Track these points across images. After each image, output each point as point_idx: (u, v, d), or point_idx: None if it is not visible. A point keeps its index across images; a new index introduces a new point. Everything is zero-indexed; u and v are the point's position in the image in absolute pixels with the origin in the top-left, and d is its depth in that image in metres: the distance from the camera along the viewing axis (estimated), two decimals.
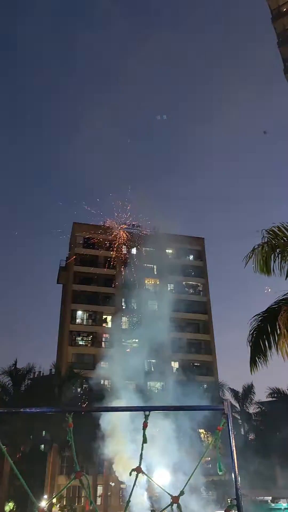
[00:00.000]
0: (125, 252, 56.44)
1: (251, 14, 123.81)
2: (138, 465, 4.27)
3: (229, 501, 4.01)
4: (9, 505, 43.78)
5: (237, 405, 35.40)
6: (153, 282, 56.05)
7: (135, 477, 4.28)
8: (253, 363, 11.08)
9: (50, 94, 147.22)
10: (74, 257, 53.86)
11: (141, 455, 4.34)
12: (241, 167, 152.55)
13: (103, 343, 48.43)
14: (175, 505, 4.19)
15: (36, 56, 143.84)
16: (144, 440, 4.44)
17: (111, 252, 54.68)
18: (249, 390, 35.71)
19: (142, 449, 4.39)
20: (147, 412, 4.29)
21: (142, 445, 4.38)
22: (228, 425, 4.23)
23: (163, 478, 20.67)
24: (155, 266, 56.65)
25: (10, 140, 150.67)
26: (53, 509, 29.40)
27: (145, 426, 4.37)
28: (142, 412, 4.33)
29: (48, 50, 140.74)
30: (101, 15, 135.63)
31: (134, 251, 56.97)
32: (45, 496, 33.36)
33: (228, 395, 36.49)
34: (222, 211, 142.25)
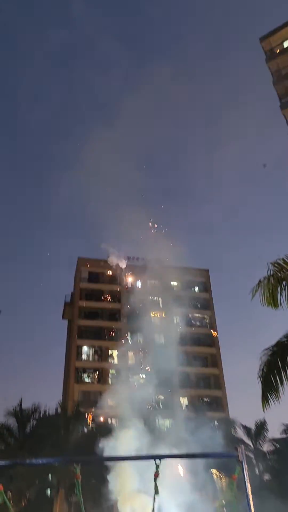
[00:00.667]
0: (130, 285, 56.30)
1: (247, 54, 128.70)
2: None
3: None
4: None
5: (250, 443, 34.12)
6: (158, 315, 55.53)
7: None
8: (264, 399, 10.74)
9: (50, 128, 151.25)
10: (79, 291, 53.76)
11: (153, 509, 4.12)
12: (244, 199, 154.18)
13: (109, 380, 47.51)
14: None
15: (36, 93, 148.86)
16: (156, 491, 4.22)
17: (116, 286, 54.57)
18: (261, 426, 34.45)
19: (154, 501, 4.17)
20: (158, 461, 4.09)
21: (154, 497, 4.17)
22: (243, 472, 4.03)
23: None
24: (160, 299, 56.28)
25: (11, 174, 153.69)
26: None
27: (156, 476, 4.16)
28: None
29: (49, 86, 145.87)
30: (102, 53, 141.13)
31: (138, 284, 56.83)
32: None
33: (240, 432, 35.27)
34: (227, 242, 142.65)
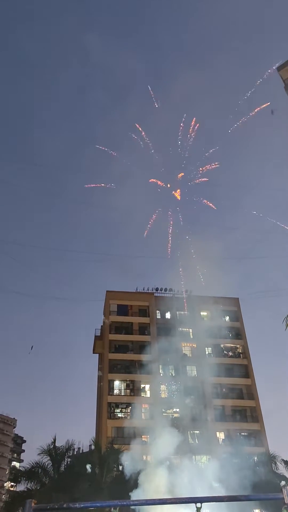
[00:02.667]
0: (159, 317, 55.85)
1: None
2: None
3: None
4: None
5: None
6: (190, 347, 54.57)
7: None
8: None
9: (67, 160, 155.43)
10: (109, 324, 53.68)
11: None
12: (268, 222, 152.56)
13: (142, 415, 46.50)
14: None
15: (52, 128, 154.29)
16: None
17: (145, 318, 54.27)
18: None
19: None
20: (198, 505, 3.93)
21: None
22: None
23: None
24: (190, 330, 55.44)
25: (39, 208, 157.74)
26: None
27: None
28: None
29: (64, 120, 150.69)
30: (118, 85, 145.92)
31: (168, 315, 56.31)
32: None
33: (281, 468, 33.54)
34: (255, 269, 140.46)
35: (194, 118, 42.21)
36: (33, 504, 3.94)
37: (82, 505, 4.18)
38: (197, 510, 3.96)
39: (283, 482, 27.66)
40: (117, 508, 3.94)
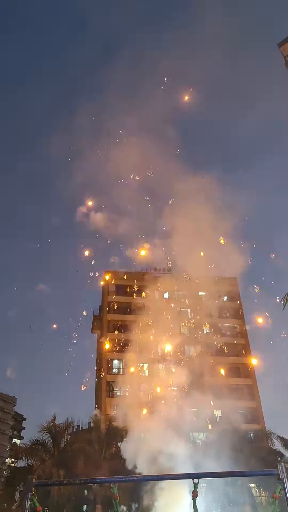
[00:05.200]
0: (158, 297, 56.10)
1: None
2: None
3: None
4: None
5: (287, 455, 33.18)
6: (188, 326, 55.02)
7: None
8: None
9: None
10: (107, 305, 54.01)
11: None
12: (264, 204, 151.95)
13: (141, 393, 47.20)
14: None
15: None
16: (195, 511, 4.13)
17: (144, 298, 54.52)
18: None
19: None
20: (196, 480, 4.00)
21: None
22: (285, 491, 3.90)
23: None
24: (189, 310, 55.79)
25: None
26: None
27: (195, 495, 4.07)
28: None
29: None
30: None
31: (166, 295, 56.56)
32: None
33: (277, 444, 34.30)
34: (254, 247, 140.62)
35: None
36: (34, 480, 4.00)
37: (82, 481, 4.26)
38: (194, 485, 4.04)
39: (278, 458, 28.34)
40: (116, 485, 4.03)
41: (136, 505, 24.27)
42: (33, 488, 3.99)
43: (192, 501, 4.08)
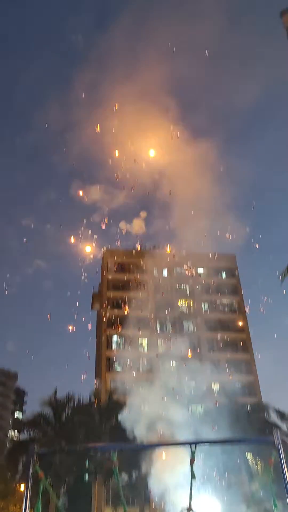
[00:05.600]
0: (157, 274, 56.38)
1: None
2: (188, 506, 4.12)
3: None
4: None
5: (284, 427, 33.97)
6: (186, 303, 55.53)
7: None
8: None
9: None
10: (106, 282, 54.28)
11: (190, 494, 4.18)
12: (268, 178, 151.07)
13: (140, 368, 47.99)
14: None
15: None
16: (193, 476, 4.28)
17: (143, 275, 54.77)
18: None
19: (191, 486, 4.23)
20: (193, 447, 4.14)
21: (191, 481, 4.23)
22: (280, 457, 4.03)
23: (212, 507, 19.86)
24: (187, 287, 56.20)
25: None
26: None
27: (192, 462, 4.22)
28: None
29: None
30: None
31: (165, 273, 56.85)
32: None
33: (274, 417, 35.07)
34: (253, 224, 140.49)
35: None
36: (36, 448, 4.12)
37: (82, 448, 4.39)
38: (191, 453, 4.16)
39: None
40: (115, 452, 4.14)
41: (137, 473, 24.99)
42: (35, 456, 4.11)
43: (190, 466, 4.22)
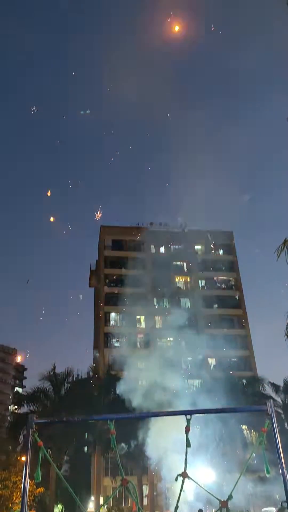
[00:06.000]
0: (154, 251, 56.46)
1: None
2: (184, 471, 4.25)
3: (281, 504, 3.94)
4: (58, 508, 44.64)
5: (279, 399, 34.80)
6: (184, 280, 55.83)
7: (181, 482, 4.26)
8: None
9: None
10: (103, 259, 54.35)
11: (185, 460, 4.31)
12: (266, 157, 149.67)
13: (138, 344, 48.59)
14: (224, 509, 4.15)
15: None
16: (188, 444, 4.41)
17: (140, 252, 54.83)
18: None
19: (186, 454, 4.35)
20: (188, 416, 4.25)
21: (186, 449, 4.36)
22: (273, 425, 4.15)
23: (208, 476, 20.55)
24: (184, 263, 56.40)
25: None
26: (101, 510, 29.67)
27: (187, 430, 4.34)
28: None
29: None
30: None
31: (162, 249, 56.92)
32: (92, 498, 33.85)
33: (268, 390, 35.89)
34: (250, 201, 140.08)
35: None
36: (35, 418, 4.22)
37: (80, 419, 4.52)
38: (187, 421, 4.27)
39: None
40: (113, 421, 4.25)
41: (135, 443, 25.68)
42: (34, 425, 4.21)
43: (185, 435, 4.33)
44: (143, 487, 37.19)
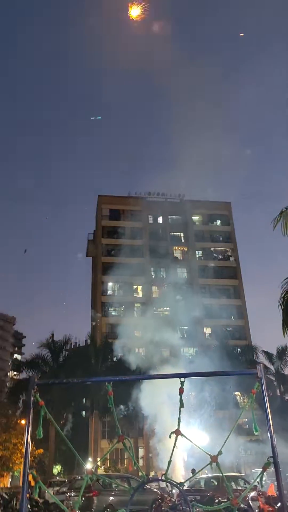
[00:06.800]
0: (151, 221, 56.40)
1: None
2: (177, 428, 4.50)
3: (267, 459, 4.21)
4: (57, 468, 46.50)
5: (271, 367, 35.74)
6: (181, 250, 56.03)
7: (174, 439, 4.51)
8: (285, 325, 11.12)
9: None
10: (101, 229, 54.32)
11: (179, 418, 4.55)
12: (268, 126, 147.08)
13: (135, 313, 49.22)
14: (214, 464, 4.42)
15: None
16: (181, 405, 4.66)
17: (138, 222, 54.76)
18: (283, 352, 35.91)
19: (179, 413, 4.60)
20: (182, 379, 4.48)
21: (180, 409, 4.60)
22: (262, 388, 4.38)
23: (202, 439, 21.38)
24: (182, 234, 56.47)
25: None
26: (98, 471, 30.96)
27: (181, 392, 4.58)
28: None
29: None
30: None
31: (160, 220, 56.85)
32: (90, 460, 35.17)
33: (262, 358, 36.80)
34: (248, 172, 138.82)
35: None
36: (36, 380, 4.42)
37: (79, 380, 4.73)
38: (181, 383, 4.48)
39: None
40: (111, 383, 4.47)
41: (132, 406, 26.55)
42: (35, 386, 4.39)
43: (179, 396, 4.56)
44: (139, 449, 38.65)
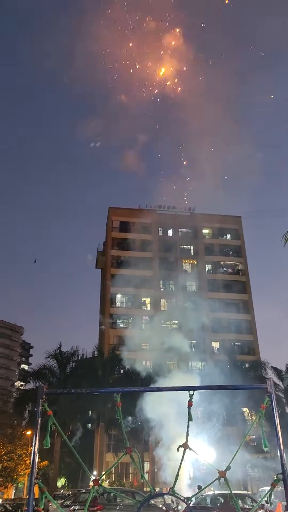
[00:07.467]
0: (161, 234, 56.49)
1: None
2: (185, 442, 4.45)
3: (275, 476, 4.14)
4: (61, 481, 46.05)
5: (280, 384, 35.22)
6: (190, 263, 55.93)
7: (182, 453, 4.47)
8: None
9: None
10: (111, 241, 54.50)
11: (187, 432, 4.51)
12: (276, 138, 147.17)
13: (143, 325, 49.04)
14: (222, 480, 4.36)
15: None
16: (190, 418, 4.62)
17: (147, 235, 54.89)
18: None
19: (188, 427, 4.56)
20: (191, 392, 4.45)
21: (188, 423, 4.57)
22: (272, 403, 4.33)
23: (210, 455, 21.05)
24: (192, 247, 56.43)
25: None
26: (103, 484, 30.60)
27: (190, 405, 4.54)
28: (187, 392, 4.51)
29: None
30: None
31: (170, 233, 56.94)
32: (95, 473, 34.77)
33: (270, 374, 36.27)
34: (258, 187, 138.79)
35: None
36: (45, 389, 4.43)
37: (88, 390, 4.73)
38: (189, 396, 4.46)
39: None
40: (119, 394, 4.46)
41: (140, 419, 26.29)
42: (44, 396, 4.40)
43: (188, 409, 4.53)
44: (145, 464, 38.12)
